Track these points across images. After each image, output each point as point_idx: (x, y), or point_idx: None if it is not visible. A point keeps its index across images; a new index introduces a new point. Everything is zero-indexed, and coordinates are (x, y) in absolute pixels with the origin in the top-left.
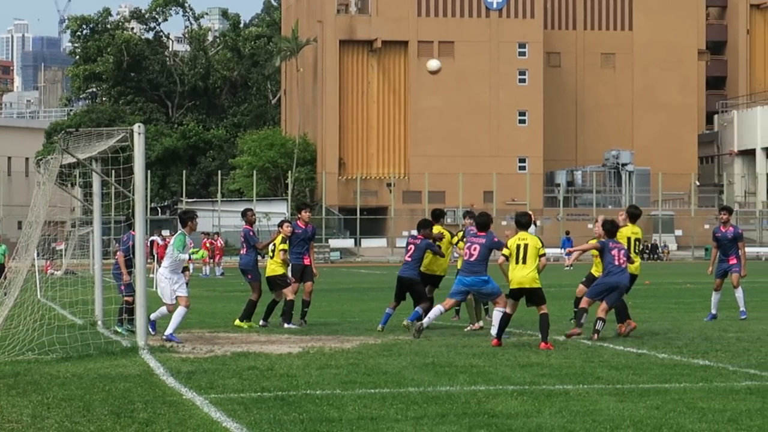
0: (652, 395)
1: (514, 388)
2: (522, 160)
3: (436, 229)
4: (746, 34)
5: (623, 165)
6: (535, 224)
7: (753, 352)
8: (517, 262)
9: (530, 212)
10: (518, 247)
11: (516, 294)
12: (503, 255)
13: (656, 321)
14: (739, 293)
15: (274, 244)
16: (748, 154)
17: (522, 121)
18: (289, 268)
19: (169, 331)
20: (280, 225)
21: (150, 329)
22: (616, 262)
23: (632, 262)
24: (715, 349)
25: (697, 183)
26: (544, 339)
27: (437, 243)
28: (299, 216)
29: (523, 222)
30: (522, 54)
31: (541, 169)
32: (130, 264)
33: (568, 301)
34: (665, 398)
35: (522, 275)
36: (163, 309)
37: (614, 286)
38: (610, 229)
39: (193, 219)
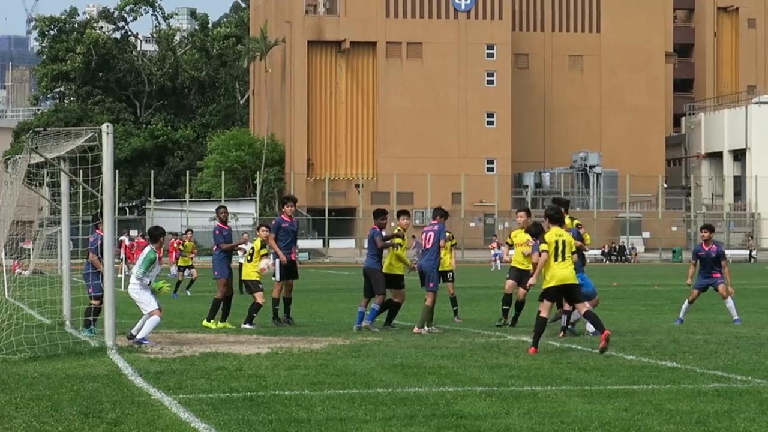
0: (620, 397)
1: (482, 389)
2: (490, 162)
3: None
4: (713, 37)
5: (591, 167)
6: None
7: (720, 354)
8: (556, 259)
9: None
10: (556, 243)
11: (555, 292)
12: (542, 251)
13: (624, 323)
14: (729, 303)
15: (253, 248)
16: (716, 157)
17: (490, 123)
18: (277, 265)
19: (140, 335)
20: (258, 228)
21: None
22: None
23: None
24: (683, 351)
25: (665, 185)
26: (600, 329)
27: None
28: (283, 210)
29: (557, 217)
30: (490, 56)
31: (509, 171)
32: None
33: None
34: (633, 400)
35: (565, 272)
36: (155, 319)
37: None
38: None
39: (164, 235)
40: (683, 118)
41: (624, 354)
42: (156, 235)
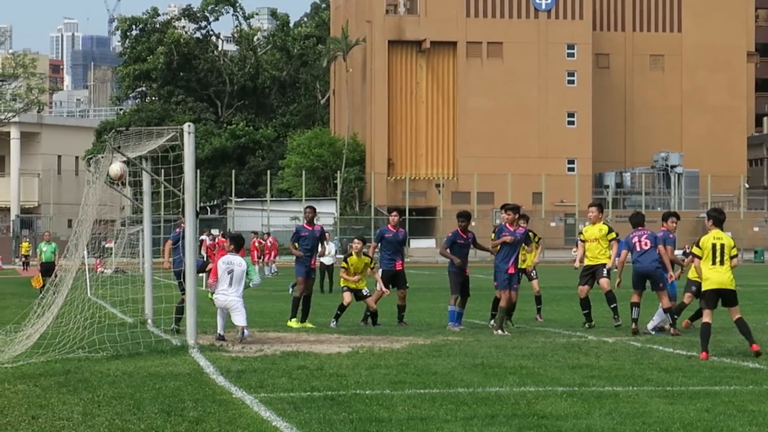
0: (702, 398)
1: (563, 389)
2: (571, 162)
3: None
4: None
5: (672, 167)
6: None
7: None
8: (713, 263)
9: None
10: (714, 246)
11: (713, 296)
12: (694, 254)
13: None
14: None
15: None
16: None
17: (571, 123)
18: (378, 275)
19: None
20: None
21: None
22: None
23: None
24: (766, 351)
25: (747, 185)
26: (751, 341)
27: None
28: (389, 220)
29: (720, 219)
30: (571, 55)
31: (589, 171)
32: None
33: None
34: (715, 401)
35: (722, 277)
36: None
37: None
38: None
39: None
40: (765, 118)
41: None
42: (242, 243)
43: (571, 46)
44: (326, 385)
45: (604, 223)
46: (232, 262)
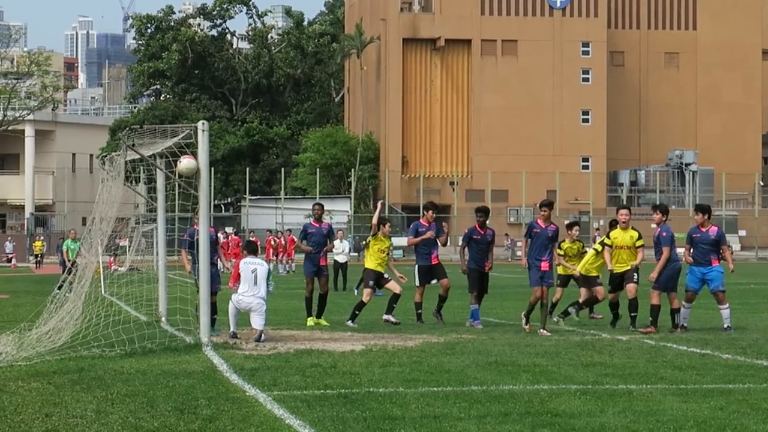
0: (716, 396)
1: (577, 387)
2: (585, 160)
3: None
4: None
5: (687, 165)
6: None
7: None
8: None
9: None
10: None
11: None
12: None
13: (719, 321)
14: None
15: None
16: None
17: (585, 120)
18: (415, 270)
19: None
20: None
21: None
22: None
23: None
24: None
25: (761, 183)
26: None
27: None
28: (425, 215)
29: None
30: (585, 53)
31: (604, 169)
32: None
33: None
34: (729, 399)
35: None
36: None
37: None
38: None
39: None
40: None
41: (720, 353)
42: (256, 248)
43: (585, 44)
44: (339, 383)
45: (633, 228)
46: (254, 262)
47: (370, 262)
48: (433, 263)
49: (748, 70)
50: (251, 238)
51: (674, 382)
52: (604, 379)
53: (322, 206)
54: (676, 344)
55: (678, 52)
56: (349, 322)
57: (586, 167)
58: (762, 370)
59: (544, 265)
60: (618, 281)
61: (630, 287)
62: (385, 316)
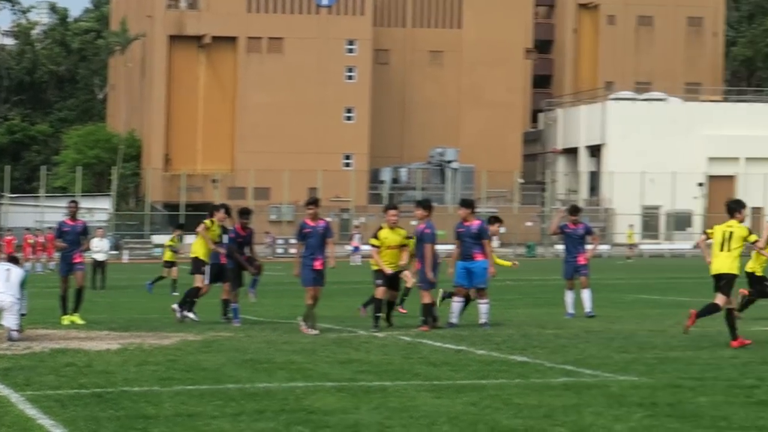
0: (469, 391)
1: (332, 384)
2: (348, 157)
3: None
4: (573, 33)
5: (448, 162)
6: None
7: (570, 348)
8: (722, 249)
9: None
10: (723, 233)
11: (714, 281)
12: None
13: (475, 318)
14: (586, 294)
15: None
16: (572, 153)
17: (349, 118)
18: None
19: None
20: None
21: None
22: None
23: None
24: (533, 345)
25: (521, 180)
26: (733, 336)
27: None
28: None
29: (731, 208)
30: (350, 51)
31: (366, 166)
32: None
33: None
34: (482, 394)
35: (721, 263)
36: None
37: None
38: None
39: None
40: (540, 114)
41: (474, 348)
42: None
43: (351, 42)
44: (94, 383)
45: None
46: (9, 267)
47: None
48: (223, 262)
49: (510, 69)
50: (15, 254)
51: (429, 378)
52: (360, 375)
53: (77, 204)
54: (432, 340)
55: (443, 51)
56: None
57: (348, 165)
58: (515, 365)
59: (317, 264)
60: (392, 281)
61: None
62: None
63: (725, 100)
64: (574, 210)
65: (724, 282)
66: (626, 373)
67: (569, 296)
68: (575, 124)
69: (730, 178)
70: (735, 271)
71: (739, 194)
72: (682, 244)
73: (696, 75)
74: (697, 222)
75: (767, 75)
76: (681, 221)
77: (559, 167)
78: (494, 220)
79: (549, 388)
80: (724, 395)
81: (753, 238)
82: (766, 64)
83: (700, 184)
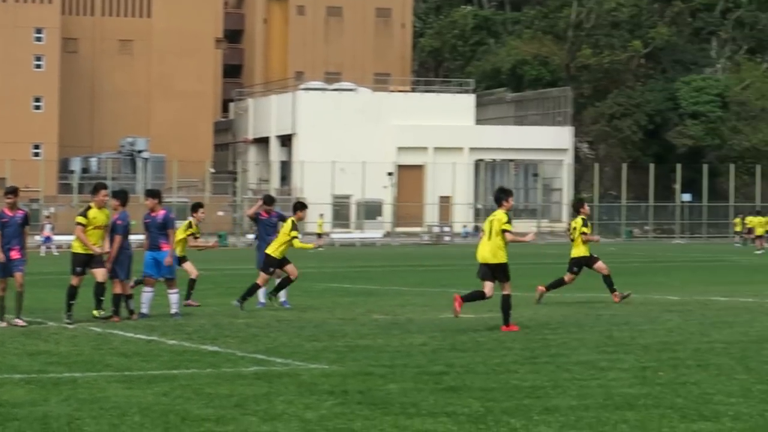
0: (161, 382)
1: (21, 376)
2: (36, 147)
3: None
4: (263, 24)
5: (139, 152)
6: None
7: (262, 337)
8: (489, 239)
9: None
10: (490, 223)
11: (481, 268)
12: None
13: (166, 307)
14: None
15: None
16: (263, 142)
17: (37, 107)
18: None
19: None
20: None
21: None
22: None
23: None
24: (225, 335)
25: (212, 170)
26: (505, 322)
27: None
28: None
29: (496, 198)
30: (38, 39)
31: (56, 156)
32: None
33: None
34: (173, 384)
35: (485, 251)
36: None
37: None
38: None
39: None
40: (231, 104)
41: (166, 338)
42: None
43: (39, 30)
44: None
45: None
46: None
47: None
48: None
49: (201, 59)
50: None
51: (120, 369)
52: (49, 367)
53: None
54: (123, 331)
55: (132, 40)
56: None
57: (37, 155)
58: (207, 355)
59: (14, 254)
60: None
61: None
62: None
63: (413, 90)
64: (269, 200)
65: (497, 271)
66: (317, 361)
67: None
68: (266, 113)
69: (419, 168)
70: (500, 260)
71: (428, 183)
72: (373, 233)
73: (385, 65)
74: (387, 211)
75: (454, 66)
76: (371, 210)
77: (250, 157)
78: (300, 206)
79: (240, 377)
80: (413, 382)
81: (508, 227)
82: (452, 55)
83: (390, 174)
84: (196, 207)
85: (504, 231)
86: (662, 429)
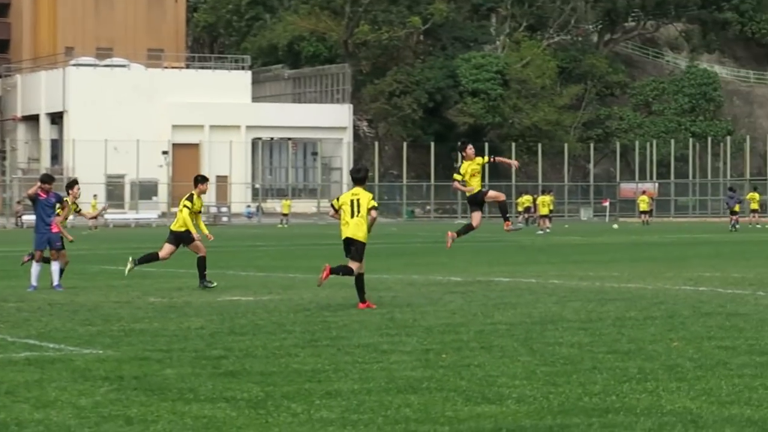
0: None
1: None
2: None
3: None
4: None
5: None
6: None
7: (33, 322)
8: (352, 216)
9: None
10: (352, 202)
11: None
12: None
13: None
14: (55, 266)
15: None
16: (33, 120)
17: None
18: None
19: None
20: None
21: None
22: None
23: None
24: None
25: None
26: (361, 299)
27: None
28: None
29: (358, 177)
30: None
31: None
32: None
33: None
34: None
35: (352, 229)
36: None
37: None
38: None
39: None
40: None
41: None
42: None
43: None
44: None
45: None
46: None
47: None
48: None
49: None
50: None
51: None
52: None
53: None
54: None
55: None
56: None
57: None
58: None
59: None
60: None
61: None
62: None
63: (188, 67)
64: (47, 179)
65: (354, 248)
66: (91, 346)
67: (36, 268)
68: (35, 90)
69: (195, 146)
70: (364, 239)
71: (204, 162)
72: (148, 213)
73: (158, 41)
74: (163, 191)
75: (230, 42)
76: (146, 190)
77: (19, 135)
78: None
79: (11, 363)
80: (191, 367)
81: (373, 203)
82: (228, 31)
83: (165, 153)
84: (72, 185)
85: (372, 208)
86: (446, 412)
